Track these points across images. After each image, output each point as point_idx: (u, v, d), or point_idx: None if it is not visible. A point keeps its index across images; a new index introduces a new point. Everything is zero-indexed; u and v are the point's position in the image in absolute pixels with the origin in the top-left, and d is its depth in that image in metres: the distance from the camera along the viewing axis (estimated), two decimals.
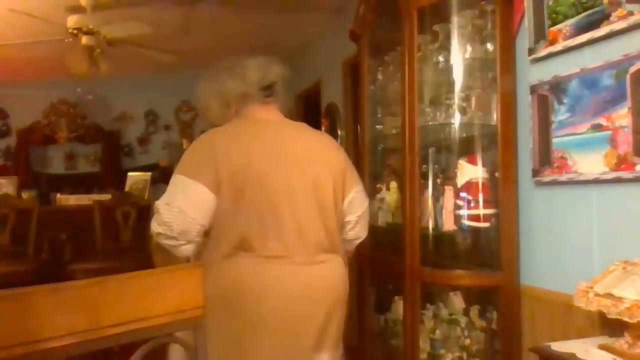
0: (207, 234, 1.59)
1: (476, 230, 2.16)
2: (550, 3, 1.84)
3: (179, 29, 4.92)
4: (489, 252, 2.14)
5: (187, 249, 1.56)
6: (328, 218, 1.65)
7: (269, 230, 1.55)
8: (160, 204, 1.54)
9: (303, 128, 1.77)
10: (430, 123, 2.25)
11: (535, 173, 1.93)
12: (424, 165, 2.32)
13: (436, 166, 2.35)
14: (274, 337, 1.53)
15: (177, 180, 1.56)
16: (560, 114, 1.81)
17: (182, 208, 1.51)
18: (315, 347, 1.60)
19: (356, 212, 1.76)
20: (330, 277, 1.65)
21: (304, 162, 1.64)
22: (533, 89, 1.93)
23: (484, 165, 2.15)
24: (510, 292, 2.05)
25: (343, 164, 1.74)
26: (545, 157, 1.88)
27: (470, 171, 2.15)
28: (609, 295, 1.39)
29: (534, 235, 2.02)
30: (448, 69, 2.22)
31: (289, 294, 1.55)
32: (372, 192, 2.67)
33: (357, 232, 1.81)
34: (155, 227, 1.54)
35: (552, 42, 1.83)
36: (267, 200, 1.56)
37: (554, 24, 1.82)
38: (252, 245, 1.54)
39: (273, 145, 1.64)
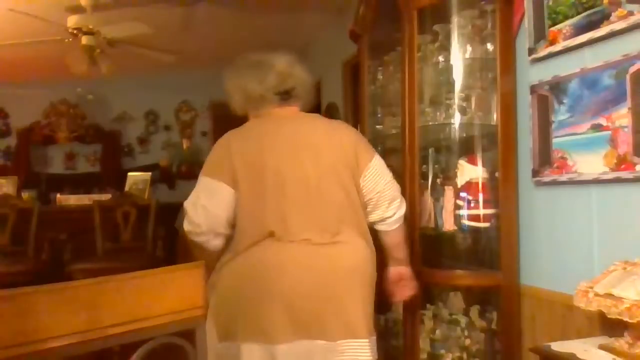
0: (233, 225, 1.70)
1: (476, 230, 2.16)
2: (550, 3, 1.84)
3: (179, 29, 4.93)
4: (489, 252, 2.14)
5: (218, 243, 1.70)
6: (346, 200, 1.69)
7: (288, 218, 1.64)
8: (187, 204, 1.69)
9: (315, 119, 1.83)
10: (430, 123, 2.25)
11: (535, 173, 1.93)
12: (424, 165, 2.32)
13: (436, 166, 2.35)
14: (294, 307, 1.59)
15: (201, 181, 1.71)
16: (560, 114, 1.81)
17: (206, 206, 1.66)
18: (345, 328, 1.61)
19: (374, 189, 1.74)
20: (352, 256, 1.68)
21: (316, 151, 1.70)
22: (533, 89, 1.93)
23: (484, 165, 2.15)
24: (510, 292, 2.05)
25: (355, 146, 1.74)
26: (545, 157, 1.88)
27: (470, 171, 2.14)
28: (609, 295, 1.39)
29: (534, 235, 2.02)
30: (448, 69, 2.22)
31: (309, 269, 1.62)
32: None
33: (382, 212, 1.77)
34: (185, 225, 1.70)
35: (552, 42, 1.83)
36: (282, 190, 1.65)
37: (554, 24, 1.82)
38: (274, 233, 1.63)
39: (285, 138, 1.72)
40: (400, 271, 1.91)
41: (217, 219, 1.66)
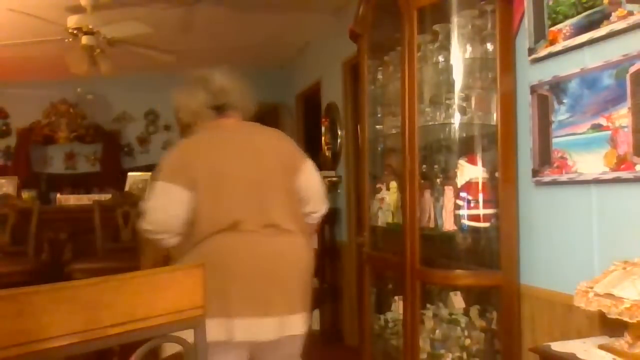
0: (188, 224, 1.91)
1: (476, 230, 2.16)
2: (550, 3, 1.84)
3: (179, 29, 4.92)
4: (489, 252, 2.14)
5: (174, 241, 1.93)
6: (287, 198, 1.96)
7: (238, 213, 1.87)
8: (146, 206, 1.91)
9: (255, 127, 2.08)
10: (430, 123, 2.25)
11: (535, 173, 1.93)
12: (424, 165, 2.32)
13: (436, 166, 2.35)
14: (248, 287, 1.83)
15: (158, 185, 1.90)
16: (560, 114, 1.81)
17: (166, 208, 1.89)
18: (287, 305, 1.88)
19: (308, 188, 2.04)
20: (293, 247, 1.95)
21: (260, 156, 1.96)
22: (533, 89, 1.93)
23: (484, 165, 2.15)
24: (510, 292, 2.05)
25: (291, 150, 2.06)
26: (545, 157, 1.88)
27: (470, 171, 2.14)
28: (609, 295, 1.38)
29: (534, 235, 2.02)
30: (448, 68, 2.22)
31: (258, 255, 1.87)
32: (372, 192, 2.68)
33: (313, 206, 2.08)
34: (144, 225, 1.90)
35: (552, 42, 1.83)
36: (233, 190, 1.89)
37: (554, 24, 1.82)
38: (226, 227, 1.85)
39: (232, 145, 1.97)
40: None
41: (176, 219, 1.88)
